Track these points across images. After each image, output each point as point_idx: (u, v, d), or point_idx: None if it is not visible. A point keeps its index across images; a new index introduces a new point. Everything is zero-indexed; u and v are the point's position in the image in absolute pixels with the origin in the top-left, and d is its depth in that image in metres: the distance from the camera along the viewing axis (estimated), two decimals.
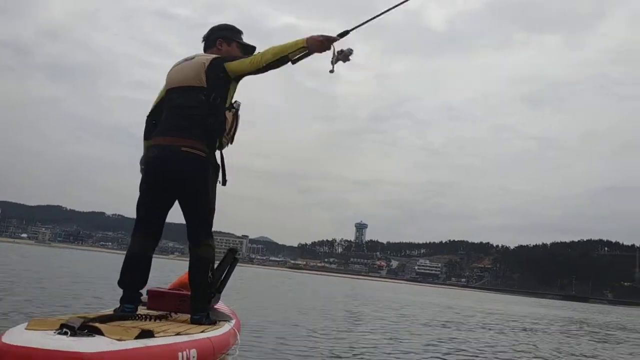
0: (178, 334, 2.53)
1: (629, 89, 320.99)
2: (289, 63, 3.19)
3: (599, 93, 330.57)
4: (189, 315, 3.20)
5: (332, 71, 3.17)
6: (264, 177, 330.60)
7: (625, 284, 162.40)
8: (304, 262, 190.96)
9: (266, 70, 3.20)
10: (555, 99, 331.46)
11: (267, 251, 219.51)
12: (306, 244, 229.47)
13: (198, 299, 3.19)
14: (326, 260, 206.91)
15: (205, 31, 3.62)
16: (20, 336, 1.93)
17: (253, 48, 3.54)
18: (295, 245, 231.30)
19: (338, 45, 3.14)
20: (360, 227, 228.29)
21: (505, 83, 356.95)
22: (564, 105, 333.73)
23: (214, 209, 3.30)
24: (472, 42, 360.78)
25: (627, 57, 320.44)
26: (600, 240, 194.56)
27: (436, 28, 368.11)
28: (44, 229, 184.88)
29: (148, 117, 3.54)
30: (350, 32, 3.20)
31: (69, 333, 1.95)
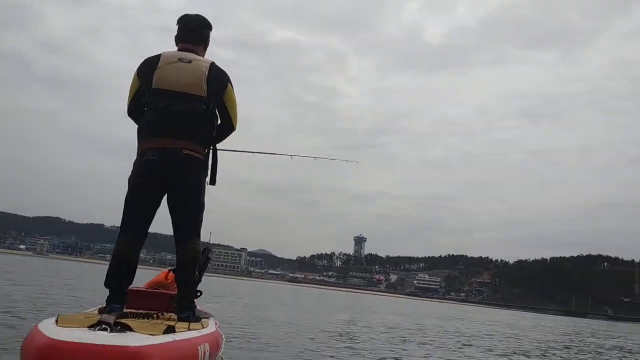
0: (188, 329, 2.66)
1: (625, 103, 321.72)
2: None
3: (596, 108, 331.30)
4: (172, 314, 3.23)
5: None
6: (263, 191, 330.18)
7: (625, 300, 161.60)
8: (303, 276, 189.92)
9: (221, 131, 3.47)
10: (552, 114, 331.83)
11: (266, 265, 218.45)
12: (305, 258, 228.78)
13: (186, 298, 3.20)
14: (325, 274, 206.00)
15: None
16: (64, 333, 1.99)
17: None
18: (295, 258, 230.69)
19: None
20: (360, 241, 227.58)
21: (502, 98, 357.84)
22: (561, 120, 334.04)
23: (203, 210, 3.34)
24: (468, 57, 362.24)
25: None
26: (600, 256, 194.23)
27: (433, 43, 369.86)
28: (42, 240, 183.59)
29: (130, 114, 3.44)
30: None
31: (108, 330, 2.12)
